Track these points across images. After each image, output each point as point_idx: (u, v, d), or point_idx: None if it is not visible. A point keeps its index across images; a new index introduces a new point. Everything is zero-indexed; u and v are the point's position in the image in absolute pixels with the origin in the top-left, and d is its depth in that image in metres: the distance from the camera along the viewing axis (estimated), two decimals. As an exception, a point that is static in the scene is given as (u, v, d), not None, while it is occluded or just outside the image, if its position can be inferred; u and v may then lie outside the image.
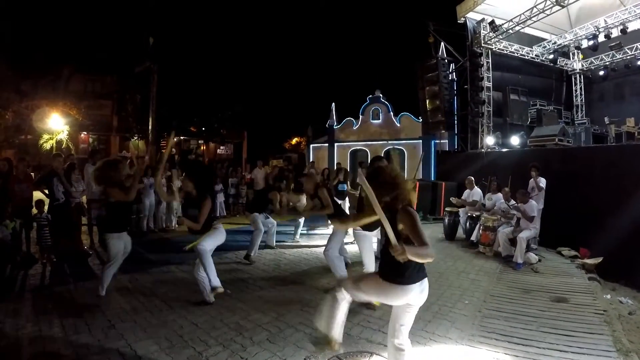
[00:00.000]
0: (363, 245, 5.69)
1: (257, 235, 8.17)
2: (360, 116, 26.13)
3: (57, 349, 4.15)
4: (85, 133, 29.26)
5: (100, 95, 28.85)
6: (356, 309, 5.40)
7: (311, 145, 28.93)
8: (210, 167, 10.49)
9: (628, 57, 15.47)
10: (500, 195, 9.64)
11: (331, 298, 3.69)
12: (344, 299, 3.61)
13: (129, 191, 5.35)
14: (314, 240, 10.01)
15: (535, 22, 14.24)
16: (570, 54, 17.62)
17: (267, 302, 5.66)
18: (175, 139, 32.78)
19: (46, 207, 7.98)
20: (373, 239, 5.67)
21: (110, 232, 5.45)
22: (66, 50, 24.49)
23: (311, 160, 25.48)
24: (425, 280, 3.31)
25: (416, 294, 3.24)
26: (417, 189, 9.58)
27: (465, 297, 6.02)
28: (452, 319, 5.16)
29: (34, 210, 7.89)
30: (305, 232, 10.70)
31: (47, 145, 23.70)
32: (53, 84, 24.83)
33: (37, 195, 8.16)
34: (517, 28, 14.84)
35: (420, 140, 23.09)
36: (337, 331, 3.71)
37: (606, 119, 14.40)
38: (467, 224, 10.00)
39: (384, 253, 3.22)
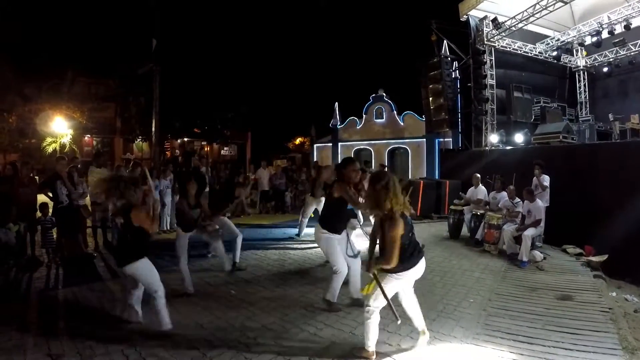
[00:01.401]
0: (332, 249, 5.22)
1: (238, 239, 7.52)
2: (364, 115, 26.07)
3: (62, 350, 4.16)
4: (89, 136, 29.31)
5: (103, 98, 28.83)
6: (360, 308, 5.40)
7: (315, 145, 28.91)
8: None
9: (632, 54, 15.44)
10: (504, 193, 9.61)
11: None
12: None
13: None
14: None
15: (538, 19, 14.22)
16: (574, 50, 17.58)
17: (271, 302, 5.66)
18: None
19: (50, 210, 8.02)
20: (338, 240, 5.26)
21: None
22: (69, 54, 24.56)
23: (315, 160, 25.46)
24: None
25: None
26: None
27: (470, 296, 6.00)
28: (456, 317, 5.15)
29: (38, 214, 7.93)
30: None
31: (51, 149, 23.76)
32: (56, 87, 24.83)
33: (41, 198, 8.20)
34: (520, 25, 14.81)
35: (424, 139, 23.00)
36: None
37: (610, 116, 14.37)
38: (472, 222, 9.98)
39: None
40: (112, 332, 4.60)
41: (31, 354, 4.09)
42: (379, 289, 3.92)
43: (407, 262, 3.92)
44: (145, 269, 4.58)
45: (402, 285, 4.08)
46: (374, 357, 4.07)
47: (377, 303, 3.98)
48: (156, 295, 4.57)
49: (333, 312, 5.22)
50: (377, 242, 4.12)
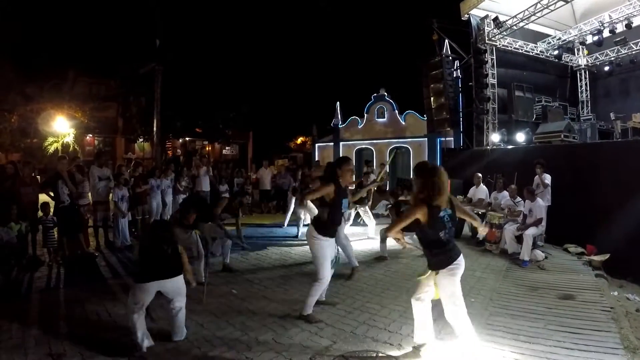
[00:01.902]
0: (322, 254, 4.93)
1: (225, 242, 7.48)
2: (365, 115, 26.06)
3: (63, 349, 4.17)
4: (91, 135, 29.36)
5: (105, 97, 28.90)
6: (361, 307, 5.40)
7: (316, 145, 28.92)
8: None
9: (633, 52, 15.40)
10: (506, 193, 9.60)
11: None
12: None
13: None
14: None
15: (539, 18, 14.18)
16: (575, 49, 17.54)
17: (272, 302, 5.67)
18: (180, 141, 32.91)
19: (52, 210, 8.04)
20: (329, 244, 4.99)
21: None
22: (71, 53, 24.62)
23: (316, 159, 25.46)
24: None
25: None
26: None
27: (472, 295, 5.99)
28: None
29: (40, 213, 7.94)
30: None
31: (53, 148, 23.81)
32: (58, 87, 24.88)
33: (43, 197, 8.22)
34: (521, 24, 14.78)
35: (426, 139, 22.97)
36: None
37: (612, 115, 14.31)
38: (474, 221, 9.94)
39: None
40: (113, 332, 4.61)
41: (32, 354, 4.10)
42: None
43: (449, 252, 3.98)
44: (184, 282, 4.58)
45: (455, 280, 4.02)
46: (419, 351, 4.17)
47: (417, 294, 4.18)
48: (183, 306, 4.52)
49: (314, 324, 4.90)
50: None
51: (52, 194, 8.09)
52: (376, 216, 10.87)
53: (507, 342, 4.43)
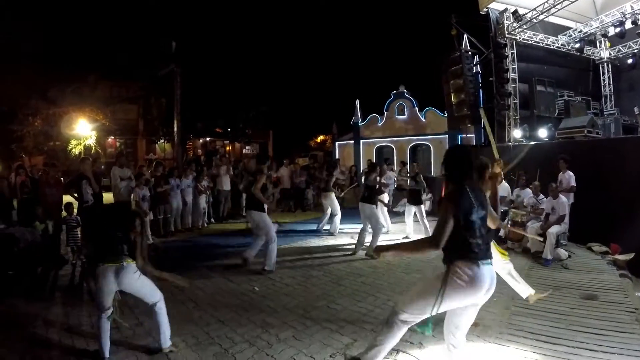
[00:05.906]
0: None
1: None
2: (385, 112, 25.98)
3: (86, 345, 4.26)
4: (113, 137, 29.80)
5: (125, 99, 29.36)
6: (382, 306, 5.38)
7: (337, 143, 28.93)
8: None
9: (657, 44, 15.04)
10: (528, 190, 9.43)
11: None
12: None
13: None
14: (341, 238, 10.02)
15: (559, 10, 13.92)
16: (597, 42, 17.12)
17: (293, 300, 5.69)
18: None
19: (75, 210, 8.19)
20: None
21: None
22: (92, 57, 25.03)
23: (337, 157, 25.43)
24: None
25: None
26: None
27: (493, 295, 5.91)
28: (479, 316, 5.02)
29: (64, 213, 8.09)
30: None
31: (76, 151, 24.22)
32: (80, 90, 25.34)
33: (67, 198, 8.40)
34: (541, 17, 14.53)
35: (447, 135, 22.81)
36: None
37: (636, 109, 14.01)
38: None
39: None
40: (135, 328, 4.69)
41: (55, 349, 4.20)
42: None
43: None
44: None
45: None
46: None
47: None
48: None
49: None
50: None
51: (75, 194, 8.26)
52: (396, 214, 10.83)
53: (529, 342, 4.37)
